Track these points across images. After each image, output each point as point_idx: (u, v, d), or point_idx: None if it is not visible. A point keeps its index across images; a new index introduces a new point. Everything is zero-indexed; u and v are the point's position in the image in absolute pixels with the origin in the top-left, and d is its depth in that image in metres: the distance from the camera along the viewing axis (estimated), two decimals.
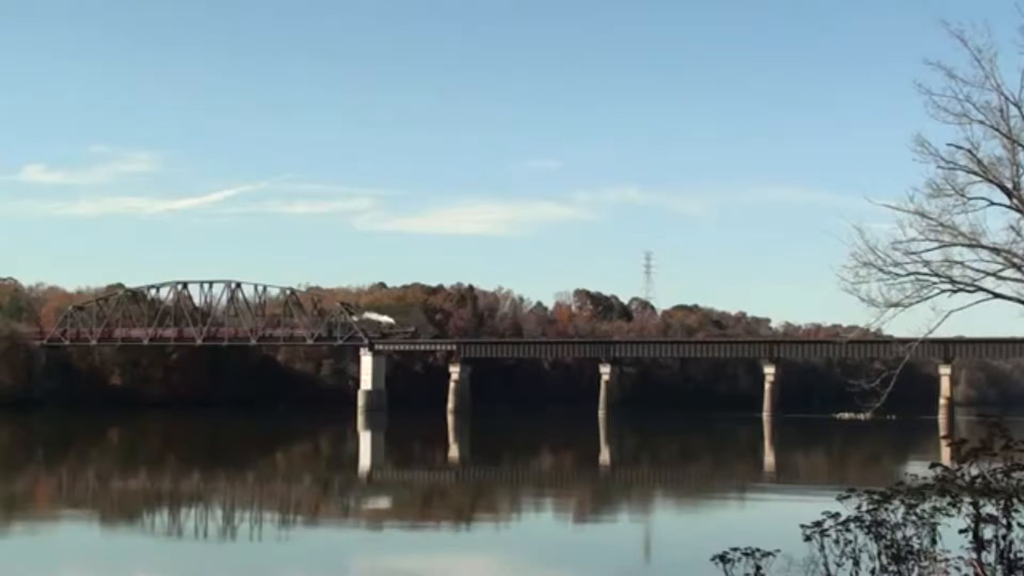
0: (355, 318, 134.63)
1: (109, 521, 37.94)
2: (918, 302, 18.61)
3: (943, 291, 18.54)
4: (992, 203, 18.31)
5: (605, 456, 77.27)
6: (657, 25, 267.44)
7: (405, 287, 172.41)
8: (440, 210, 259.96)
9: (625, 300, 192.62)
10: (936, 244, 18.61)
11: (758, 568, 8.49)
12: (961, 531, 8.44)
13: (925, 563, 8.45)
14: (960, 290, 18.50)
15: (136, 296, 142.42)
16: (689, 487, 53.25)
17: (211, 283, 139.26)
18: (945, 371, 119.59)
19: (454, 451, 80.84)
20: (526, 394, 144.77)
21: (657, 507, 45.06)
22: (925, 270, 18.59)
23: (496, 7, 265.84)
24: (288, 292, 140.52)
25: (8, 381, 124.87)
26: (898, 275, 18.59)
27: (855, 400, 23.18)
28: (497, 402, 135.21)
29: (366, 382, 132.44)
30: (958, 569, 8.41)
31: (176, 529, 35.72)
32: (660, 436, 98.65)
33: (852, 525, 8.59)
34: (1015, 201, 17.93)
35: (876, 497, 8.69)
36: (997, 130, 17.83)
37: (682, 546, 29.23)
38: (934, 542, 8.57)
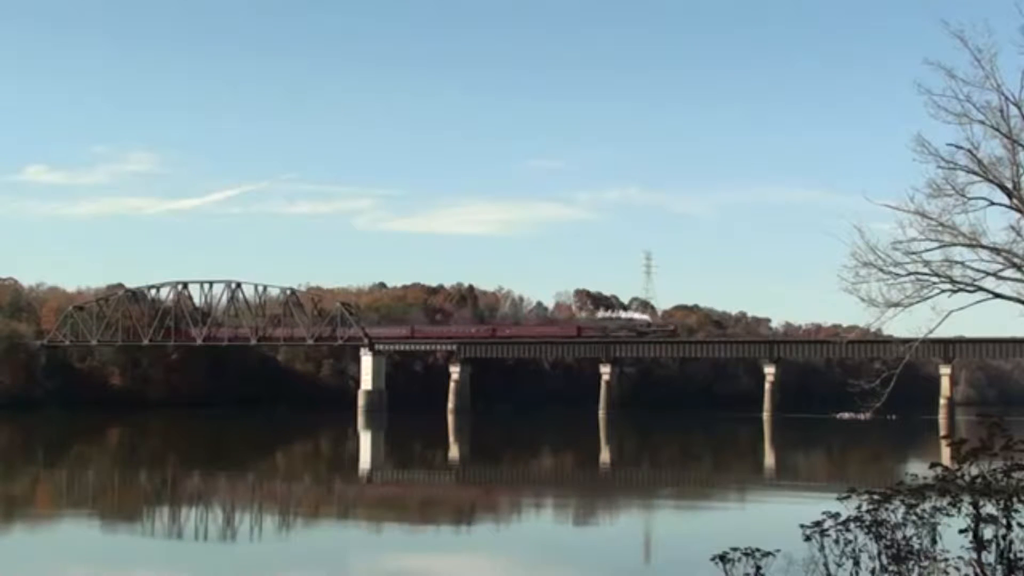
0: (623, 315, 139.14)
1: (109, 521, 37.93)
2: (918, 302, 18.61)
3: (943, 291, 18.53)
4: (992, 203, 18.31)
5: (605, 456, 77.20)
6: (657, 25, 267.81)
7: (405, 287, 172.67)
8: (440, 210, 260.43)
9: (625, 300, 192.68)
10: (936, 244, 18.62)
11: (758, 568, 8.48)
12: (961, 531, 8.42)
13: (925, 563, 8.44)
14: (960, 290, 18.50)
15: (136, 296, 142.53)
16: (689, 487, 53.19)
17: (211, 283, 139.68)
18: (945, 371, 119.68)
19: (454, 451, 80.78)
20: (526, 394, 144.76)
21: (657, 507, 44.99)
22: (925, 270, 18.59)
23: (496, 7, 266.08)
24: (288, 292, 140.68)
25: (8, 381, 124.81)
26: (898, 275, 18.59)
27: (855, 400, 23.12)
28: (497, 402, 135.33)
29: (366, 382, 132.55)
30: (958, 569, 8.40)
31: (176, 529, 35.68)
32: (660, 436, 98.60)
33: (852, 525, 8.58)
34: (1015, 201, 17.92)
35: (876, 497, 8.67)
36: (997, 130, 17.82)
37: (682, 546, 29.22)
38: (934, 542, 8.56)
